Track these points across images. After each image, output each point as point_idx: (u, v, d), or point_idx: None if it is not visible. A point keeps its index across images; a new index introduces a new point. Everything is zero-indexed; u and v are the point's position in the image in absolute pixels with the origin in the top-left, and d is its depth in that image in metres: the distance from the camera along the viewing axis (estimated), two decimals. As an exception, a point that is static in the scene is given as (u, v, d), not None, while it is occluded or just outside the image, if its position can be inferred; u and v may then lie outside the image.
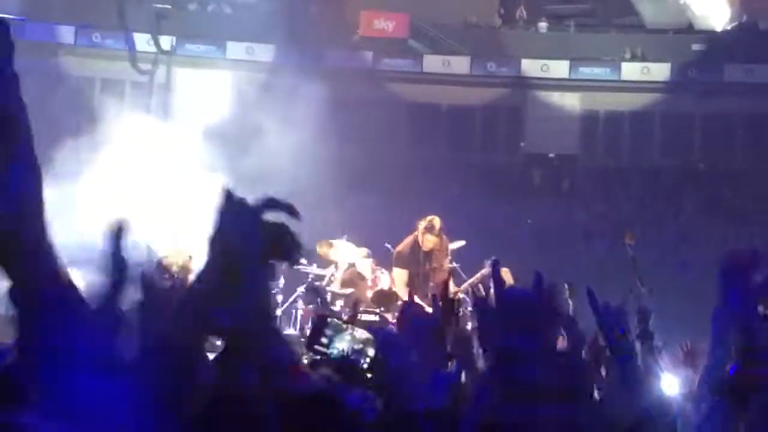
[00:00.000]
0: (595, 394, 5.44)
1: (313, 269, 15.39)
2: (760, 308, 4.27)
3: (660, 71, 35.53)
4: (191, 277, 2.49)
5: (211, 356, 2.30)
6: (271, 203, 1.84)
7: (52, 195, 1.66)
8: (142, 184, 17.15)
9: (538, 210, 31.24)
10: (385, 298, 13.36)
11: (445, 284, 4.02)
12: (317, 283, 15.06)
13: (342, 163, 22.14)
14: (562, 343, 6.11)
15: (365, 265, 14.68)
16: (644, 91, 35.67)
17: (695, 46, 36.01)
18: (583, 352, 5.79)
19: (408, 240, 11.86)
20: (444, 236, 11.88)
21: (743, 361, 2.62)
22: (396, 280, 12.02)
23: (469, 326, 5.82)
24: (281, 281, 15.00)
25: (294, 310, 15.27)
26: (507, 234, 26.94)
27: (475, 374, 3.43)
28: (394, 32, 36.64)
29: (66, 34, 33.99)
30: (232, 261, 1.78)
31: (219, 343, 2.25)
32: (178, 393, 1.71)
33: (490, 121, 36.69)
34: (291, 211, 1.85)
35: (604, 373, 5.03)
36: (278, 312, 14.40)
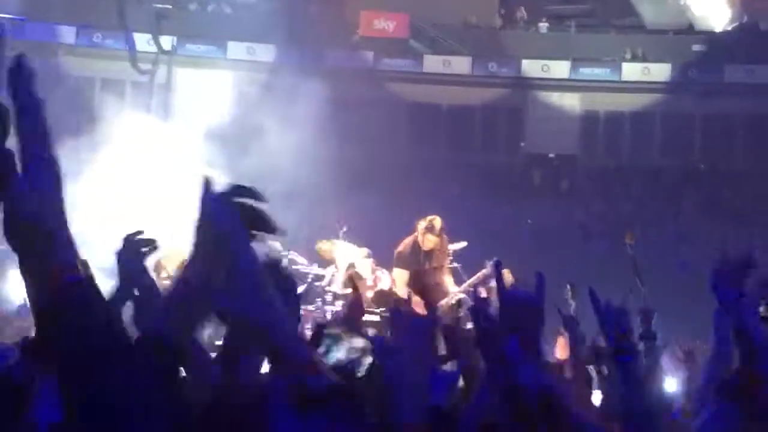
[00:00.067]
0: (597, 394, 5.45)
1: (314, 269, 15.39)
2: (762, 309, 4.27)
3: (660, 72, 35.53)
4: None
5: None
6: (239, 190, 1.94)
7: (64, 193, 1.68)
8: (142, 184, 17.16)
9: (538, 210, 31.23)
10: (385, 298, 13.36)
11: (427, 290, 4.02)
12: (317, 284, 15.07)
13: (342, 163, 22.14)
14: (561, 343, 6.11)
15: (365, 265, 14.68)
16: (644, 91, 35.67)
17: (695, 47, 36.01)
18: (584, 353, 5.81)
19: (408, 240, 11.85)
20: (444, 236, 11.88)
21: (745, 364, 2.62)
22: (396, 281, 12.01)
23: (469, 326, 5.81)
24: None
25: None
26: (507, 234, 26.94)
27: (475, 375, 3.44)
28: (395, 32, 36.64)
29: (66, 34, 33.98)
30: (222, 242, 1.84)
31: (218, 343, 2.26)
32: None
33: (490, 121, 36.68)
34: (256, 195, 1.94)
35: (605, 373, 5.04)
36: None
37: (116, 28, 31.45)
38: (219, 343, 2.80)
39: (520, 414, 2.35)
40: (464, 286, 12.25)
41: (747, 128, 34.84)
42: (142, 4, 29.53)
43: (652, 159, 35.60)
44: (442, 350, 4.19)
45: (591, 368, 6.03)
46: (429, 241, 11.56)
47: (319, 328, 3.71)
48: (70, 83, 31.23)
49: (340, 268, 14.72)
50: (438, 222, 11.64)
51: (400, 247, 11.86)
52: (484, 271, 12.21)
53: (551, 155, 36.32)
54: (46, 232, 1.56)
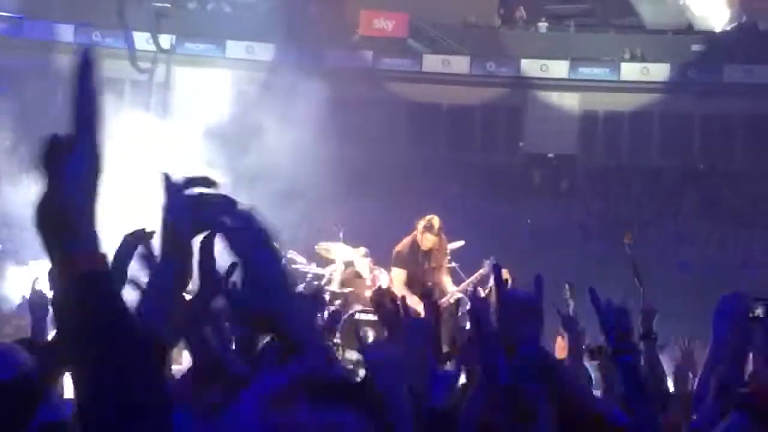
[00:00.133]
0: (597, 393, 5.45)
1: (312, 268, 15.39)
2: (758, 310, 4.26)
3: (659, 71, 35.54)
4: None
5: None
6: (191, 181, 1.99)
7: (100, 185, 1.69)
8: (141, 182, 17.15)
9: (537, 210, 31.22)
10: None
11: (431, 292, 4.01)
12: (315, 283, 15.06)
13: (341, 163, 22.14)
14: (561, 343, 6.12)
15: (363, 264, 14.68)
16: (643, 91, 35.67)
17: (694, 47, 36.01)
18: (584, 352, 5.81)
19: (407, 240, 11.85)
20: (443, 236, 11.87)
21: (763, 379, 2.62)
22: (394, 280, 12.00)
23: (467, 325, 5.82)
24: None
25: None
26: (506, 234, 26.93)
27: (474, 374, 3.44)
28: (394, 32, 36.64)
29: (65, 32, 33.92)
30: (184, 242, 1.96)
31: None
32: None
33: (489, 121, 36.69)
34: (208, 183, 1.99)
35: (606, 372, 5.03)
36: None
37: (115, 27, 31.44)
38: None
39: (519, 414, 2.35)
40: (462, 285, 12.25)
41: (746, 128, 34.85)
42: (142, 3, 29.55)
43: (651, 159, 35.60)
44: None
45: (591, 367, 6.03)
46: (428, 241, 11.55)
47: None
48: (69, 82, 31.24)
49: (338, 268, 14.72)
50: (436, 221, 11.64)
51: (399, 247, 11.86)
52: (481, 271, 12.22)
53: (550, 155, 36.32)
54: (71, 222, 1.59)
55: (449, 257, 12.54)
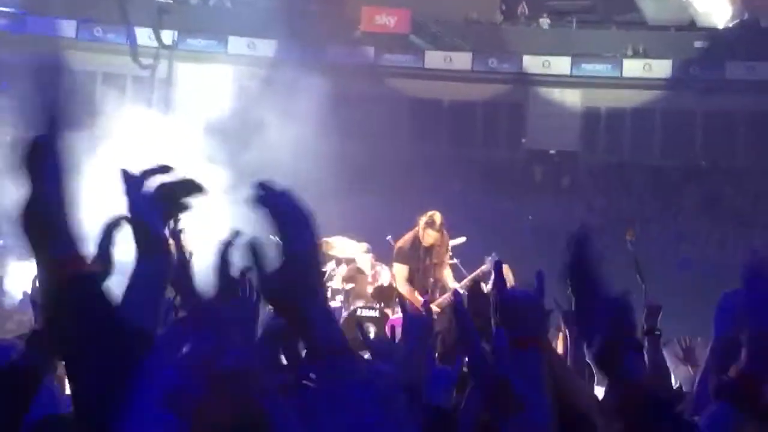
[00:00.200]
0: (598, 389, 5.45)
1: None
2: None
3: (661, 68, 35.52)
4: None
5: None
6: (148, 173, 2.02)
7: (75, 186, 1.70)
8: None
9: (538, 206, 31.22)
10: (385, 293, 13.36)
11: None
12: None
13: (343, 159, 22.12)
14: (561, 339, 6.10)
15: (365, 260, 14.69)
16: (645, 88, 35.66)
17: (697, 43, 35.99)
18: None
19: (409, 235, 11.82)
20: (445, 232, 11.85)
21: (751, 368, 2.61)
22: (396, 276, 11.98)
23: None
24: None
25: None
26: (508, 230, 26.92)
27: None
28: (396, 28, 36.62)
29: (67, 28, 33.96)
30: (147, 234, 1.98)
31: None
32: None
33: (491, 117, 36.69)
34: (165, 170, 2.02)
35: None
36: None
37: (117, 23, 31.50)
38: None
39: (508, 405, 2.34)
40: (464, 282, 12.24)
41: (748, 125, 34.83)
42: (144, -1, 29.54)
43: (653, 156, 35.60)
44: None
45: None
46: (429, 237, 11.53)
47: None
48: (71, 77, 31.25)
49: (340, 264, 14.74)
50: (438, 217, 11.61)
51: (401, 243, 11.83)
52: (483, 267, 12.20)
53: (552, 151, 36.33)
54: (54, 224, 1.59)
55: (451, 253, 12.53)
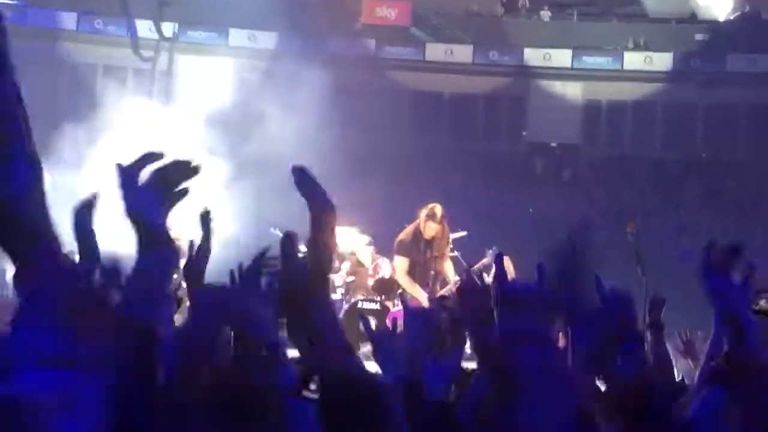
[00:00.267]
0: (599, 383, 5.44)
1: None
2: (763, 302, 4.26)
3: (662, 61, 35.47)
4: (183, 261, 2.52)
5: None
6: (139, 162, 2.01)
7: (53, 181, 1.68)
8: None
9: (540, 199, 31.23)
10: (386, 286, 13.37)
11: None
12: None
13: (344, 151, 22.13)
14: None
15: (366, 253, 14.69)
16: (646, 80, 35.63)
17: (698, 36, 35.94)
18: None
19: (410, 228, 11.82)
20: (446, 224, 11.85)
21: (733, 348, 2.63)
22: (397, 268, 11.99)
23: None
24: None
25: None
26: (509, 223, 26.93)
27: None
28: (397, 20, 36.57)
29: (68, 20, 33.93)
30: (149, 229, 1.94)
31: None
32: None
33: (492, 110, 36.65)
34: (154, 157, 2.01)
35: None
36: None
37: (118, 15, 31.48)
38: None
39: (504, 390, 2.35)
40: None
41: (749, 118, 34.80)
42: (144, -9, 29.52)
43: (654, 148, 35.58)
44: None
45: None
46: (430, 229, 11.53)
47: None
48: (72, 70, 31.26)
49: (341, 257, 14.74)
50: (439, 209, 11.61)
51: (402, 235, 11.83)
52: (484, 260, 12.21)
53: (553, 144, 36.30)
54: (28, 229, 1.57)
55: (451, 246, 12.53)
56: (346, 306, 13.38)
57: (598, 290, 3.06)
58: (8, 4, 31.86)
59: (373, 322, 12.10)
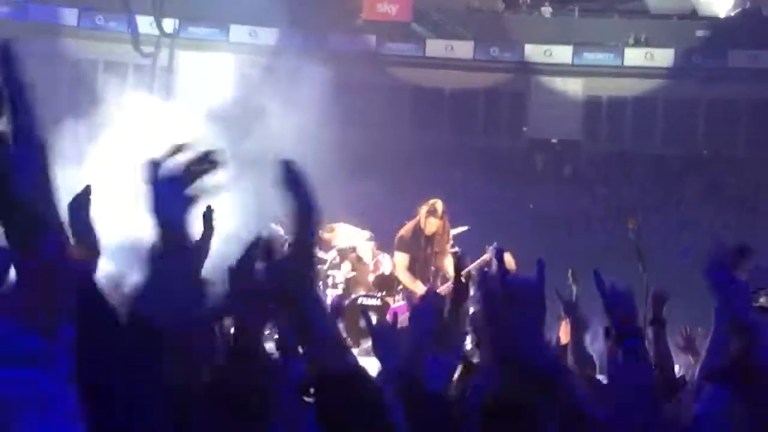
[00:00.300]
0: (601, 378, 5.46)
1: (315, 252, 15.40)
2: (763, 299, 4.27)
3: (663, 57, 35.46)
4: None
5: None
6: (165, 156, 1.93)
7: (54, 177, 1.68)
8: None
9: (540, 195, 31.25)
10: (386, 282, 13.38)
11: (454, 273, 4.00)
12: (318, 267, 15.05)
13: (345, 147, 22.11)
14: (564, 328, 6.10)
15: (366, 248, 14.70)
16: (647, 76, 35.61)
17: (699, 32, 35.91)
18: (586, 338, 5.81)
19: (410, 224, 11.81)
20: (446, 220, 11.84)
21: (739, 347, 2.63)
22: (397, 264, 11.98)
23: (471, 311, 5.82)
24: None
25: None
26: (509, 219, 26.93)
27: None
28: (398, 16, 36.56)
29: (69, 16, 33.91)
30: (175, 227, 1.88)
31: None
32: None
33: (493, 106, 36.64)
34: (179, 149, 1.96)
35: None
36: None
37: (119, 11, 31.47)
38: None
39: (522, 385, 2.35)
40: (465, 271, 12.24)
41: (750, 114, 34.79)
42: (145, -13, 29.50)
43: (654, 145, 35.57)
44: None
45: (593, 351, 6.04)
46: (431, 225, 11.51)
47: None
48: (72, 66, 31.25)
49: (341, 253, 14.75)
50: (440, 205, 11.60)
51: (402, 231, 11.82)
52: (485, 256, 12.20)
53: (554, 140, 36.30)
54: (34, 216, 1.57)
55: (452, 242, 12.53)
56: (346, 302, 13.39)
57: (599, 287, 3.07)
58: (10, 0, 31.89)
59: (373, 319, 12.09)
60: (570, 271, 6.59)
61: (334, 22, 33.59)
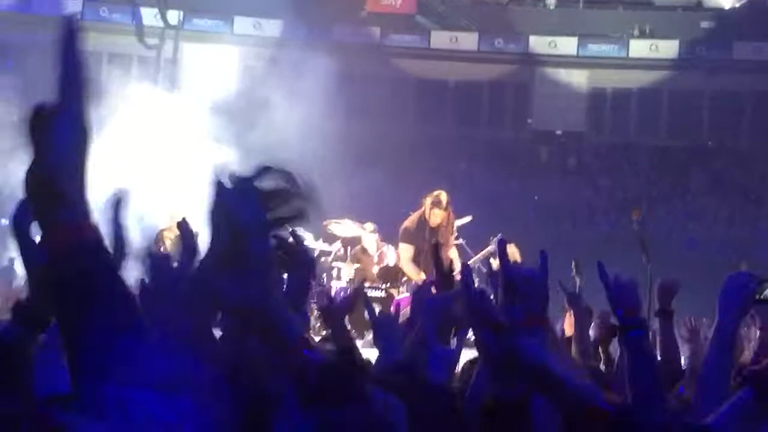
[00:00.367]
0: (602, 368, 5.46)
1: (320, 245, 15.42)
2: (767, 292, 4.26)
3: (668, 48, 35.40)
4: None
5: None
6: (266, 171, 1.75)
7: (88, 166, 1.68)
8: (149, 158, 17.17)
9: (544, 186, 31.23)
10: (390, 274, 13.38)
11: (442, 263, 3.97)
12: (323, 259, 15.06)
13: (349, 139, 22.13)
14: (569, 319, 6.11)
15: (371, 240, 14.70)
16: (652, 68, 35.56)
17: (704, 24, 35.85)
18: (591, 329, 5.82)
19: (415, 216, 11.82)
20: (451, 211, 11.85)
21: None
22: (401, 256, 11.99)
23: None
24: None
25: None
26: (513, 210, 26.95)
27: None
28: (402, 8, 36.50)
29: (73, 8, 33.84)
30: (237, 235, 1.72)
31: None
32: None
33: (497, 97, 36.61)
34: (283, 175, 1.76)
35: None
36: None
37: (123, 3, 31.47)
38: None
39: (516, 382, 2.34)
40: (470, 263, 12.25)
41: (755, 105, 34.75)
42: (149, -21, 29.50)
43: (659, 136, 35.53)
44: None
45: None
46: (435, 216, 11.52)
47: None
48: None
49: (346, 245, 14.77)
50: (444, 197, 11.60)
51: (407, 223, 11.82)
52: (489, 248, 12.21)
53: (558, 132, 36.27)
54: (59, 190, 1.57)
55: (456, 234, 12.54)
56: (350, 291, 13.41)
57: (603, 278, 3.07)
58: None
59: (377, 310, 12.14)
60: (574, 262, 6.59)
61: (338, 14, 33.55)
